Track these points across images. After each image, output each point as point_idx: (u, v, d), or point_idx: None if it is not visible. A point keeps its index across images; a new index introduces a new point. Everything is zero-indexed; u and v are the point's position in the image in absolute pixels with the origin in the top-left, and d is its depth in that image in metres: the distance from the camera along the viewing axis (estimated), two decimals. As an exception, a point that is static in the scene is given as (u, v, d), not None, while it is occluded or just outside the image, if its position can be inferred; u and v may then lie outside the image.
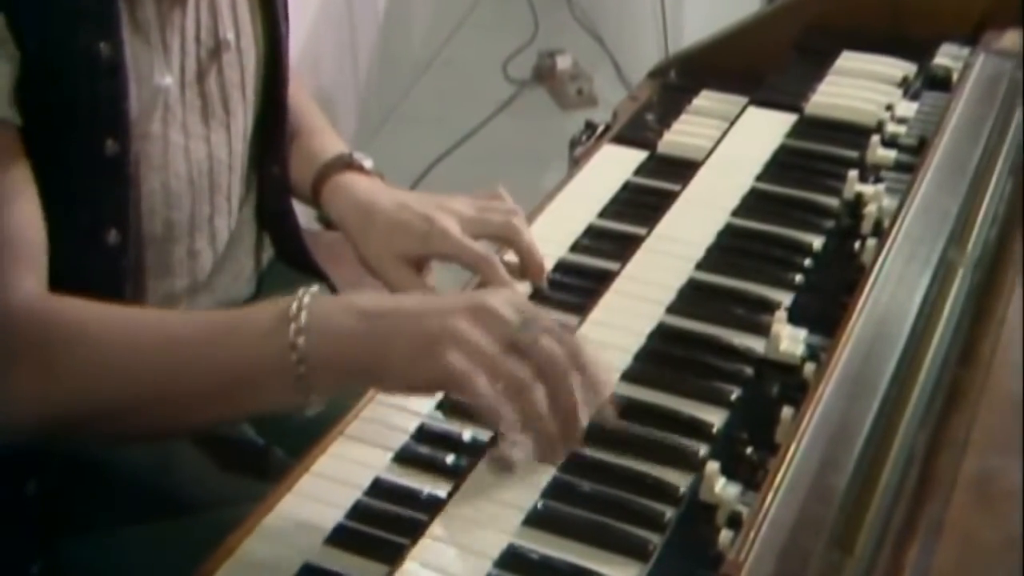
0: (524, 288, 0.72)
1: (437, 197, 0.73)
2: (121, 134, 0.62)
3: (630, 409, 0.62)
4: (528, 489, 0.58)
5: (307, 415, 0.56)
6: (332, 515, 0.57)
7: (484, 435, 0.61)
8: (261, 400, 0.56)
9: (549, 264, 0.76)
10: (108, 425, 0.57)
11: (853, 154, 0.85)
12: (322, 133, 0.79)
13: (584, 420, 0.54)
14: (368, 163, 0.76)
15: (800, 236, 0.77)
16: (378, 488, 0.58)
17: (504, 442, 0.55)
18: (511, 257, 0.72)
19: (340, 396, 0.58)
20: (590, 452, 0.59)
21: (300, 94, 0.79)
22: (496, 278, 0.68)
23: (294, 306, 0.55)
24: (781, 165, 0.85)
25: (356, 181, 0.75)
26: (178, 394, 0.56)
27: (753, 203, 0.81)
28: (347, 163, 0.76)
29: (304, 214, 0.80)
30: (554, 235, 0.79)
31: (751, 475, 0.58)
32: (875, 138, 0.85)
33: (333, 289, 0.82)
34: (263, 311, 0.56)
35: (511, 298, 0.56)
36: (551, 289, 0.74)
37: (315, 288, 0.57)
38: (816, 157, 0.86)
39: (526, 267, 0.71)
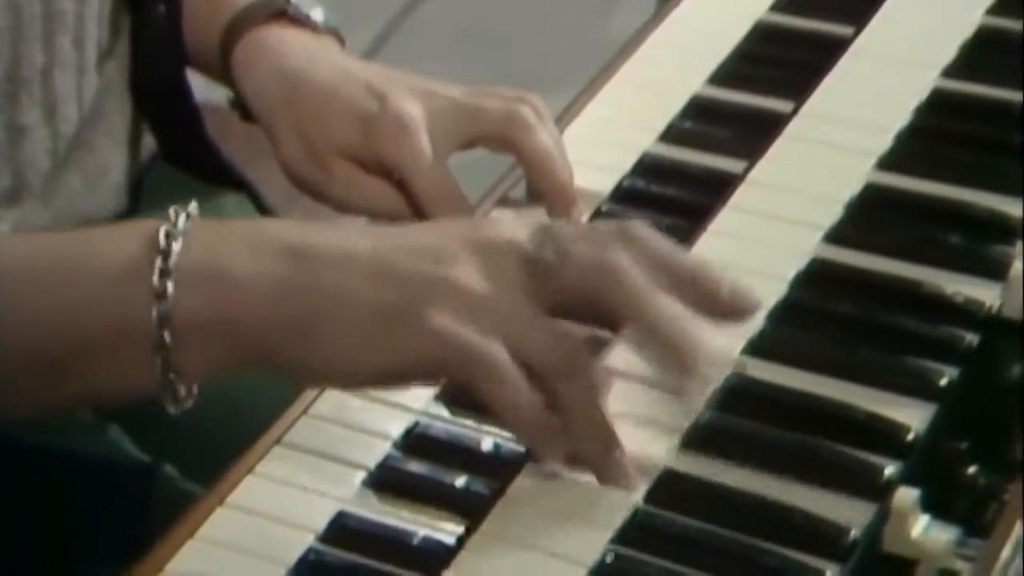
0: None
1: (415, 77, 0.73)
2: None
3: (763, 401, 0.63)
4: (592, 530, 0.58)
5: (171, 413, 0.57)
6: (266, 573, 0.57)
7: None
8: (101, 380, 0.58)
9: (627, 161, 0.76)
10: None
11: None
12: None
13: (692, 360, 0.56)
14: (317, 14, 0.77)
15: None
16: (343, 529, 0.59)
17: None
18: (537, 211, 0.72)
19: (266, 377, 0.59)
20: (692, 470, 0.60)
21: None
22: None
23: (163, 232, 0.56)
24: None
25: (289, 40, 0.75)
26: None
27: (978, 55, 0.80)
28: (277, 10, 0.76)
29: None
30: (633, 115, 0.79)
31: (975, 511, 0.58)
32: None
33: (259, 203, 0.82)
34: (117, 237, 0.57)
35: (522, 221, 0.58)
36: (626, 205, 0.74)
37: (193, 206, 0.57)
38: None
39: (542, 193, 0.71)
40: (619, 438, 0.58)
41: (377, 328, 0.55)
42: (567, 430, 0.58)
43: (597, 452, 0.58)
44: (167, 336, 0.55)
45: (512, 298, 0.56)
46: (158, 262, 0.55)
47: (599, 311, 0.57)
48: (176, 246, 0.56)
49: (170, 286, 0.55)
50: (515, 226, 0.57)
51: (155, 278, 0.55)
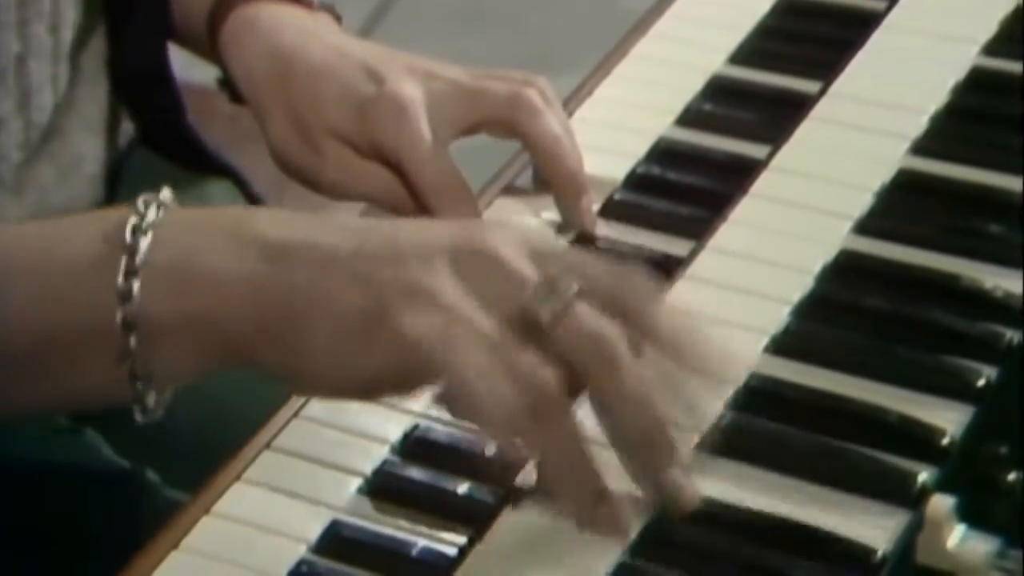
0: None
1: (414, 58, 0.73)
2: None
3: (788, 402, 0.62)
4: (605, 541, 0.57)
5: (141, 421, 0.57)
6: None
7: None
8: (74, 380, 0.57)
9: (642, 146, 0.76)
10: None
11: None
12: None
13: (677, 449, 0.56)
14: None
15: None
16: (337, 539, 0.59)
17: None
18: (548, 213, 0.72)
19: (254, 376, 0.58)
20: (711, 476, 0.59)
21: None
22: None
23: (130, 226, 0.56)
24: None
25: (282, 16, 0.75)
26: None
27: (1020, 30, 0.80)
28: None
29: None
30: (648, 96, 0.78)
31: (1015, 520, 0.57)
32: None
33: (245, 190, 0.82)
34: (87, 229, 0.57)
35: (522, 236, 0.57)
36: (640, 193, 0.74)
37: (166, 194, 0.57)
38: None
39: (550, 180, 0.71)
40: (605, 484, 0.56)
41: (351, 333, 0.55)
42: (541, 478, 0.57)
43: (576, 501, 0.56)
44: (133, 341, 0.55)
45: (493, 321, 0.55)
46: (123, 261, 0.55)
47: (575, 374, 0.55)
48: (144, 242, 0.55)
49: (136, 287, 0.55)
50: (519, 253, 0.56)
51: (120, 279, 0.55)
